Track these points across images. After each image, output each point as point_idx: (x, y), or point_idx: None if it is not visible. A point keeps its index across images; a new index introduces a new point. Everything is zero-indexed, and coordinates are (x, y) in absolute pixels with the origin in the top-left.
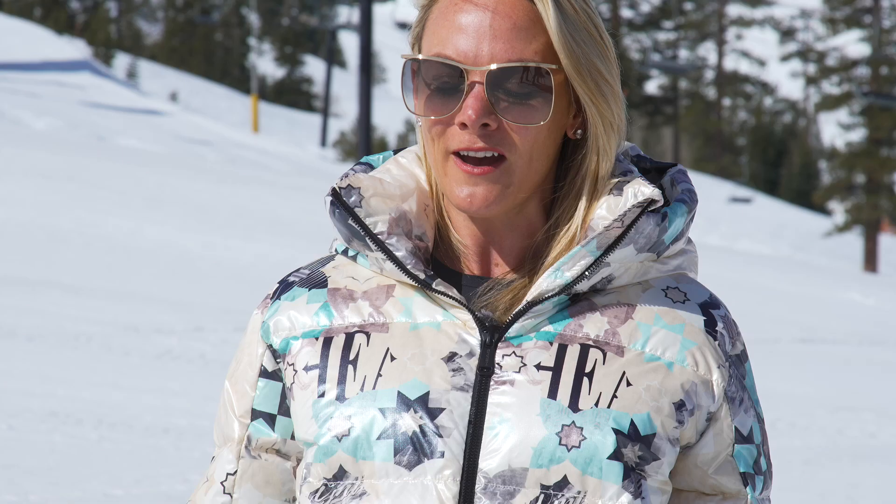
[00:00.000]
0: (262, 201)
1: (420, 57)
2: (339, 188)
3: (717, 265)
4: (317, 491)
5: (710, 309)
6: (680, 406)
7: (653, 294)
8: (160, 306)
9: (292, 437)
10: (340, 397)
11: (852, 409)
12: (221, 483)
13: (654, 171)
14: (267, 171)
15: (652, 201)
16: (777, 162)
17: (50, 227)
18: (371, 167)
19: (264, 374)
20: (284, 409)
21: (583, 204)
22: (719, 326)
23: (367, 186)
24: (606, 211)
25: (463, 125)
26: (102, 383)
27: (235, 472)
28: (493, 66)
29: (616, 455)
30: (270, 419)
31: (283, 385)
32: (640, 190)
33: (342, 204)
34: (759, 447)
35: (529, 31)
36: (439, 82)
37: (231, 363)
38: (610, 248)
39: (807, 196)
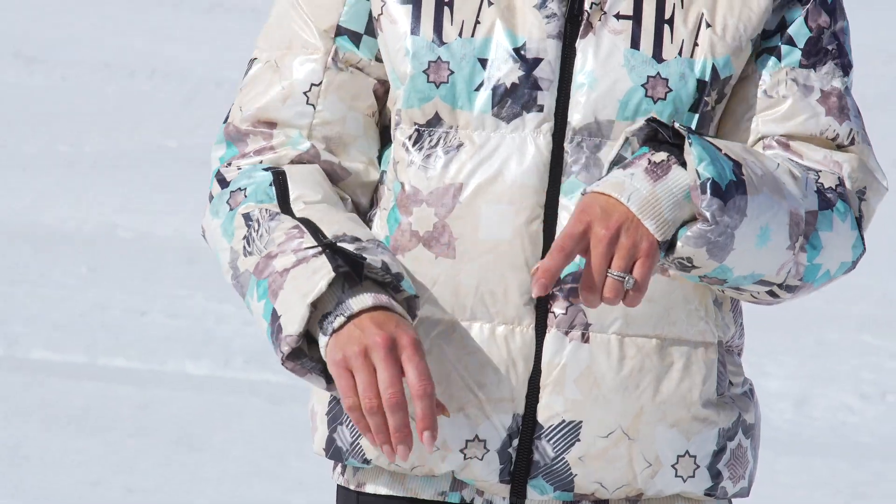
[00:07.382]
0: None
1: None
2: None
3: None
4: (410, 137)
5: None
6: (763, 37)
7: None
8: None
9: (377, 59)
10: (437, 41)
11: None
12: (304, 93)
13: None
14: None
15: None
16: None
17: None
18: None
19: None
20: (371, 30)
21: None
22: None
23: None
24: None
25: None
26: (155, 34)
27: (321, 83)
28: None
29: (695, 105)
30: (356, 37)
31: (371, 8)
32: None
33: None
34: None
35: None
36: None
37: None
38: None
39: None
